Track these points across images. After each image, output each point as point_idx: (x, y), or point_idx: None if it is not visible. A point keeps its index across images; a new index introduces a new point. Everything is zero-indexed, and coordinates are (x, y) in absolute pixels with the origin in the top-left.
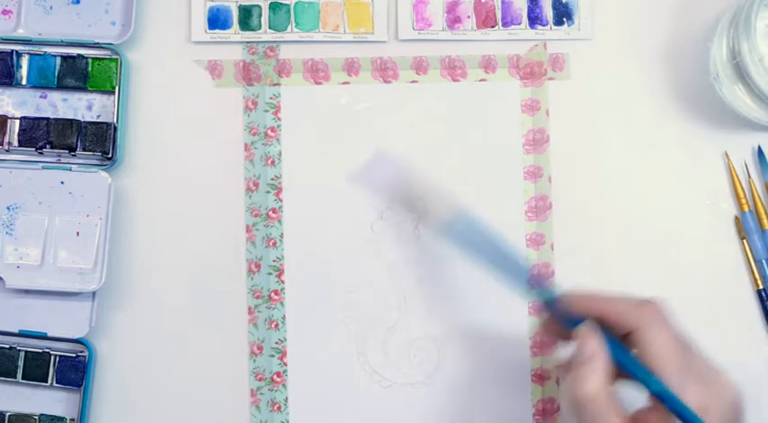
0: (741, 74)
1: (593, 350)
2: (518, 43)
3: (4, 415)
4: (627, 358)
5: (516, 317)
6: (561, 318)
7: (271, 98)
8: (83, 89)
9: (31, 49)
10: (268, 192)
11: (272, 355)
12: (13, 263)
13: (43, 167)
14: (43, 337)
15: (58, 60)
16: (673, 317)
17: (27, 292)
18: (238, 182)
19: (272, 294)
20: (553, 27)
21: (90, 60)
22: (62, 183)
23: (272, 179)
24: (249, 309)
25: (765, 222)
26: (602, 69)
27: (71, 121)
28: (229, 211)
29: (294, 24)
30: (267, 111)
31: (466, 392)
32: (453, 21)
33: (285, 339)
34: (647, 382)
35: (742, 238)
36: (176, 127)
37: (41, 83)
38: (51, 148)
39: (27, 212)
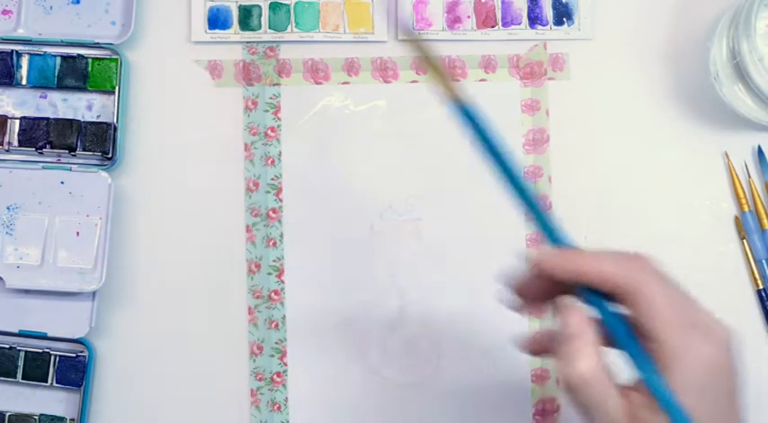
0: (741, 74)
1: (578, 325)
2: (518, 43)
3: (4, 415)
4: (620, 332)
5: (516, 317)
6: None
7: (271, 98)
8: (83, 89)
9: (31, 49)
10: (268, 192)
11: (272, 355)
12: (13, 263)
13: (43, 167)
14: (43, 337)
15: (58, 60)
16: (664, 269)
17: (27, 292)
18: (238, 182)
19: (272, 294)
20: (553, 27)
21: (90, 60)
22: (62, 183)
23: (272, 179)
24: (249, 309)
25: (765, 222)
26: (602, 69)
27: (71, 121)
28: (229, 211)
29: (294, 24)
30: (267, 111)
31: (466, 392)
32: (453, 21)
33: (285, 339)
34: (641, 369)
35: (742, 238)
36: (176, 127)
37: (41, 83)
38: (51, 148)
39: (27, 212)
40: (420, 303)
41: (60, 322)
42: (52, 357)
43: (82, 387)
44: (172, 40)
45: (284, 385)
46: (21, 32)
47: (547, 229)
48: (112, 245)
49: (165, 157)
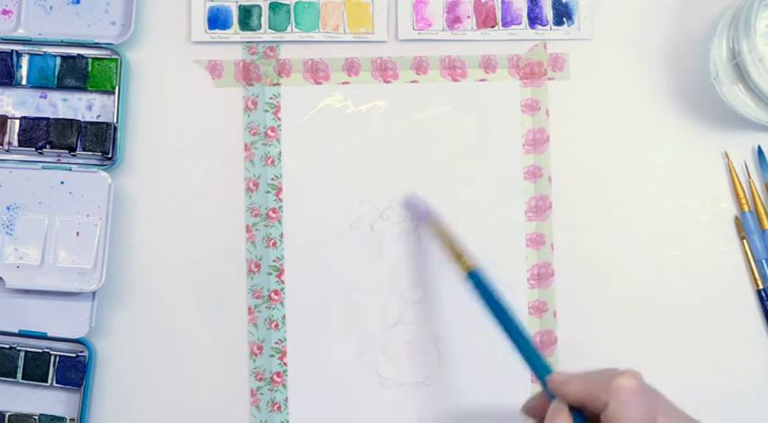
0: (741, 74)
1: None
2: (518, 43)
3: (4, 415)
4: None
5: None
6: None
7: (271, 98)
8: (83, 89)
9: (31, 49)
10: (268, 192)
11: (272, 355)
12: (13, 263)
13: (43, 167)
14: (43, 337)
15: (58, 60)
16: (647, 389)
17: (27, 292)
18: (238, 182)
19: (272, 294)
20: (553, 27)
21: (90, 60)
22: (62, 183)
23: (272, 179)
24: (249, 309)
25: (765, 222)
26: (602, 69)
27: (71, 121)
28: (229, 211)
29: (294, 24)
30: (267, 111)
31: (466, 392)
32: (453, 21)
33: (285, 339)
34: None
35: (742, 238)
36: (176, 127)
37: (41, 83)
38: (51, 148)
39: (27, 212)
40: (420, 303)
41: (60, 322)
42: (52, 357)
43: (82, 387)
44: (172, 40)
45: (284, 385)
46: (21, 32)
47: (538, 369)
48: (112, 245)
49: (165, 157)
